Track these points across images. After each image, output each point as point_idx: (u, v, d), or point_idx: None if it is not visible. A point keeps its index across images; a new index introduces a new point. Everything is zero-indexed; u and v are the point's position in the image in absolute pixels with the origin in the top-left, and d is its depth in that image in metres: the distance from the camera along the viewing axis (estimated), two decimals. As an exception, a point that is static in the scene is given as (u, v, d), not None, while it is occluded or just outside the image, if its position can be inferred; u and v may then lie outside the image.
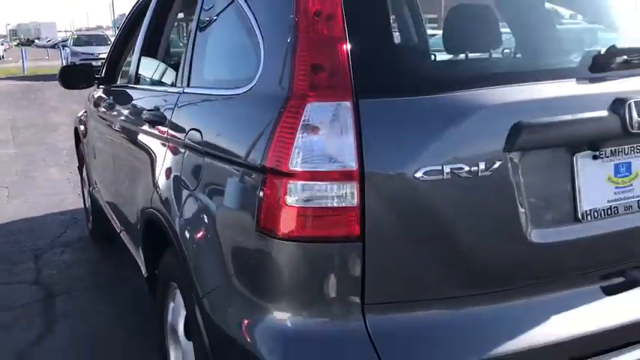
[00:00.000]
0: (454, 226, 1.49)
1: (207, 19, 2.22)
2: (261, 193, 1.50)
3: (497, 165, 1.49)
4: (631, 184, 1.71)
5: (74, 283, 3.96)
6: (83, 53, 22.14)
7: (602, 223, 1.66)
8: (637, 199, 1.71)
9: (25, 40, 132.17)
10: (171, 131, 2.22)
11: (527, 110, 1.54)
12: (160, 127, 2.35)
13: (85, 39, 25.51)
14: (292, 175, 1.44)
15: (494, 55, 1.83)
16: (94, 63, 14.97)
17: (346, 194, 1.43)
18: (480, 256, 1.52)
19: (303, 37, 1.53)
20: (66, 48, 26.18)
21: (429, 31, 2.95)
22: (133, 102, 2.94)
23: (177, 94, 2.28)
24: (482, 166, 1.47)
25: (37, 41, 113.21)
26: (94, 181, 4.21)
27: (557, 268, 1.63)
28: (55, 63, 29.81)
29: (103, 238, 4.51)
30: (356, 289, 1.47)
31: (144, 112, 2.58)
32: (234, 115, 1.80)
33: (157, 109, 2.43)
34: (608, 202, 1.67)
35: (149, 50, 2.97)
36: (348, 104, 1.45)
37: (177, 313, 2.15)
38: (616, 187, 1.68)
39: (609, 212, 1.67)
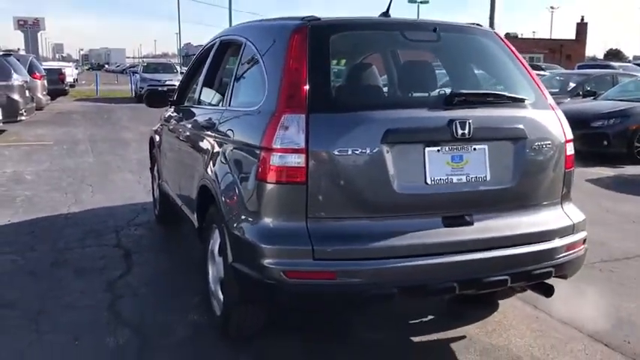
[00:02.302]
0: (352, 180, 2.91)
1: (243, 66, 3.74)
2: (259, 160, 2.97)
3: (376, 149, 2.91)
4: (462, 168, 3.09)
5: (144, 247, 5.51)
6: (151, 79, 23.73)
7: (441, 187, 3.05)
8: (465, 175, 3.10)
9: (95, 64, 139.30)
10: (217, 133, 3.73)
11: (396, 122, 2.97)
12: (210, 131, 3.86)
13: (154, 67, 27.34)
14: (274, 150, 2.90)
15: (383, 91, 3.27)
16: (159, 89, 16.76)
17: (299, 161, 2.88)
18: (368, 196, 2.94)
19: (285, 80, 3.02)
20: (136, 74, 28.25)
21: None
22: (194, 117, 4.48)
23: (222, 110, 3.81)
24: (368, 149, 2.90)
25: (106, 66, 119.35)
26: (163, 176, 5.77)
27: (414, 207, 3.02)
28: (124, 87, 32.37)
29: (165, 221, 6.07)
30: (303, 208, 2.90)
31: (201, 122, 4.12)
32: (250, 121, 3.28)
33: (209, 119, 3.96)
34: (447, 175, 3.06)
35: (207, 82, 4.52)
36: (304, 116, 2.91)
37: (214, 241, 3.62)
38: (452, 168, 3.08)
39: (446, 181, 3.06)
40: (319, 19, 3.26)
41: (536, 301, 4.17)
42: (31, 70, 16.80)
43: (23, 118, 13.16)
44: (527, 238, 3.19)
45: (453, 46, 3.61)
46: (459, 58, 3.75)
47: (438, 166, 3.05)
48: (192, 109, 4.66)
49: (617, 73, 15.07)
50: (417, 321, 4.02)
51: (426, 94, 3.39)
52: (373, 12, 3.62)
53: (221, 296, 3.52)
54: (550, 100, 3.47)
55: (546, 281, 3.44)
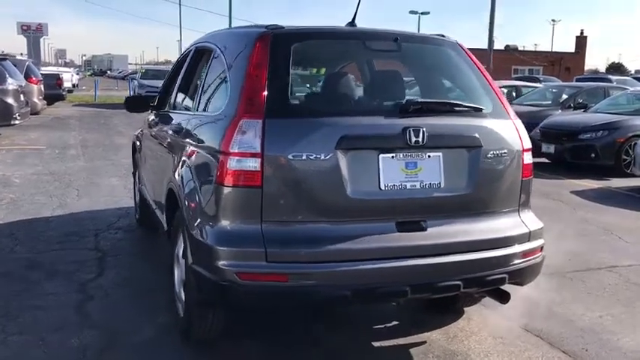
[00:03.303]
0: (307, 184, 2.97)
1: (211, 72, 3.81)
2: (218, 164, 3.03)
3: (331, 155, 2.97)
4: (417, 174, 3.15)
5: (121, 250, 5.56)
6: (148, 86, 23.71)
7: (395, 193, 3.11)
8: (419, 182, 3.15)
9: (98, 70, 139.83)
10: (184, 137, 3.79)
11: (351, 129, 3.03)
12: (178, 135, 3.93)
13: (152, 73, 27.41)
14: (231, 154, 2.97)
15: (340, 99, 3.32)
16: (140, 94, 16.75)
17: (255, 165, 2.94)
18: (322, 200, 3.00)
19: (246, 86, 3.10)
20: (134, 80, 28.43)
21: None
22: (168, 121, 4.55)
23: (191, 115, 3.88)
24: (323, 155, 2.96)
25: (109, 72, 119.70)
26: (142, 180, 5.84)
27: (368, 212, 3.08)
28: (123, 93, 32.47)
29: (145, 225, 6.13)
30: (258, 211, 2.96)
31: (172, 126, 4.19)
32: (212, 126, 3.34)
33: (179, 124, 4.03)
34: (401, 181, 3.12)
35: (181, 88, 4.59)
36: (260, 121, 2.97)
37: (180, 244, 3.68)
38: (406, 175, 3.13)
39: (400, 187, 3.12)
40: (283, 27, 3.33)
41: (502, 308, 4.21)
42: (28, 75, 16.91)
43: (17, 122, 13.24)
44: (481, 245, 3.24)
45: (415, 55, 3.68)
46: (420, 67, 3.82)
47: (392, 173, 3.11)
48: (167, 114, 4.74)
49: (608, 86, 15.15)
50: (380, 326, 4.07)
51: (383, 102, 3.46)
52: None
53: (184, 298, 3.57)
54: (509, 110, 3.53)
55: (503, 288, 3.49)
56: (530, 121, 12.35)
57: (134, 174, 6.69)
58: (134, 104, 5.38)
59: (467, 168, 3.25)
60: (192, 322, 3.45)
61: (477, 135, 3.27)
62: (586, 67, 54.50)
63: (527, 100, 14.67)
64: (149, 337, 3.77)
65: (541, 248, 3.52)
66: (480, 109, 3.40)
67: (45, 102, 18.88)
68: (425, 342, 3.81)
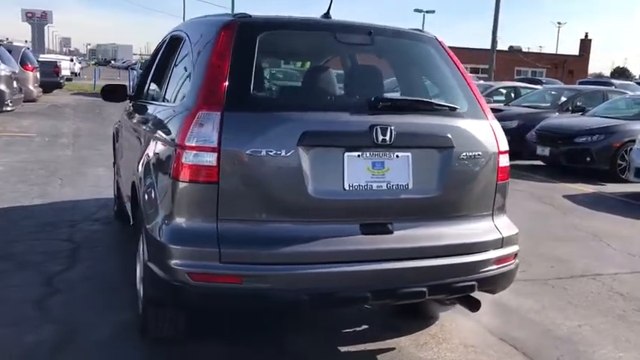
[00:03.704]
0: (266, 182, 2.84)
1: (179, 61, 3.67)
2: (174, 158, 2.90)
3: (292, 152, 2.83)
4: (384, 175, 3.02)
5: (95, 243, 5.44)
6: None
7: (360, 193, 2.97)
8: (386, 182, 3.02)
9: (102, 60, 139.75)
10: (148, 128, 3.66)
11: (315, 124, 2.89)
12: (145, 126, 3.80)
13: (152, 63, 27.38)
14: (187, 147, 2.83)
15: (305, 93, 3.18)
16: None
17: (211, 160, 2.80)
18: (282, 199, 2.86)
19: (207, 76, 2.96)
20: (133, 70, 28.35)
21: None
22: (139, 112, 4.42)
23: (157, 105, 3.74)
24: (283, 151, 2.82)
25: (113, 62, 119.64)
26: (119, 171, 5.71)
27: (331, 213, 2.94)
28: (123, 83, 32.33)
29: (122, 217, 5.99)
30: (214, 209, 2.82)
31: (141, 117, 4.05)
32: (172, 117, 3.21)
33: (146, 115, 3.90)
34: (366, 181, 2.98)
35: (154, 77, 4.46)
36: (219, 113, 2.83)
37: (140, 241, 3.55)
38: (372, 175, 3.00)
39: (366, 187, 2.98)
40: (250, 16, 3.19)
41: (477, 315, 4.07)
42: (23, 62, 16.80)
43: (9, 108, 13.13)
44: (450, 250, 3.11)
45: (389, 50, 3.54)
46: (394, 63, 3.68)
47: (358, 172, 2.97)
48: (140, 104, 4.60)
49: (608, 90, 14.97)
50: (349, 330, 3.94)
51: (352, 98, 3.31)
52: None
53: (142, 295, 3.45)
54: (486, 110, 3.39)
55: (473, 295, 3.36)
56: (527, 123, 12.29)
57: (114, 164, 6.56)
58: (111, 93, 5.24)
59: (437, 169, 3.12)
60: (148, 320, 3.33)
61: (449, 135, 3.13)
62: (591, 71, 54.30)
63: (526, 102, 14.49)
64: (109, 335, 3.64)
65: (515, 255, 3.38)
66: (455, 109, 3.26)
67: (41, 89, 18.74)
68: (394, 348, 3.68)
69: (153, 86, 4.40)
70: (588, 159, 10.55)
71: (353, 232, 2.97)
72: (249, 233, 2.84)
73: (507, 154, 3.39)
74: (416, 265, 3.00)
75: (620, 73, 73.67)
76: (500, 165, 3.32)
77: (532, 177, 10.55)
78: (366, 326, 4.01)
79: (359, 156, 2.97)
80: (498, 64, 34.36)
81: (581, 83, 25.89)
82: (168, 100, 3.61)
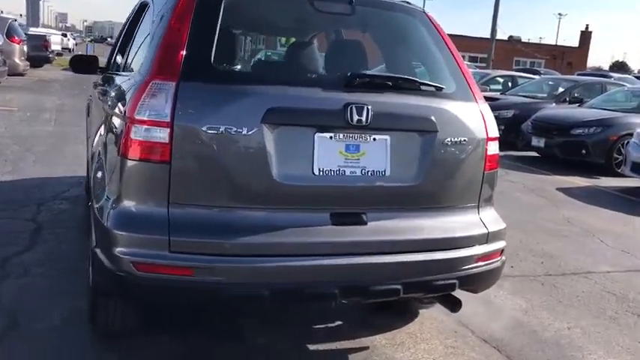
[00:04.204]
0: (225, 163, 2.53)
1: (142, 28, 3.35)
2: (123, 132, 2.58)
3: (255, 130, 2.52)
4: (358, 159, 2.71)
5: (59, 223, 5.11)
6: None
7: (331, 179, 2.66)
8: (360, 168, 2.71)
9: (98, 37, 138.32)
10: (106, 101, 3.33)
11: (282, 100, 2.57)
12: (103, 99, 3.47)
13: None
14: (136, 121, 2.51)
15: (274, 65, 2.86)
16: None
17: (163, 136, 2.49)
18: (242, 183, 2.55)
19: (164, 42, 2.64)
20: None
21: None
22: (103, 83, 4.09)
23: (118, 76, 3.41)
24: (245, 129, 2.51)
25: (109, 39, 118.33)
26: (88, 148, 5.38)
27: (297, 200, 2.64)
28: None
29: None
30: (165, 192, 2.51)
31: (102, 89, 3.73)
32: (126, 88, 2.89)
33: (106, 86, 3.57)
34: (339, 166, 2.67)
35: (120, 47, 4.12)
36: (173, 83, 2.51)
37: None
38: (345, 159, 2.69)
39: (338, 173, 2.67)
40: None
41: (461, 313, 3.78)
42: (10, 34, 16.33)
43: (-9, 81, 12.71)
44: (429, 244, 2.82)
45: (372, 22, 3.21)
46: (377, 36, 3.35)
47: (329, 156, 2.67)
48: (107, 75, 4.27)
49: (606, 82, 14.67)
50: (321, 326, 3.65)
51: (326, 74, 2.98)
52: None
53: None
54: (476, 92, 3.08)
55: (454, 294, 3.07)
56: (523, 113, 12.00)
57: (87, 140, 6.24)
58: (80, 65, 4.89)
59: (418, 155, 2.81)
60: (98, 311, 3.03)
61: (432, 118, 2.82)
62: (590, 64, 53.93)
63: (523, 91, 14.18)
64: (56, 324, 3.35)
65: (501, 252, 3.09)
66: (440, 89, 2.95)
67: (28, 63, 18.26)
68: (367, 347, 3.40)
69: (119, 56, 4.08)
70: (584, 151, 10.27)
71: (322, 221, 2.67)
72: (204, 220, 2.54)
73: (497, 142, 3.09)
74: (391, 260, 2.71)
75: (619, 67, 73.30)
76: (489, 153, 3.02)
77: (526, 168, 10.27)
78: (340, 322, 3.72)
79: (331, 137, 2.66)
80: (497, 53, 34.02)
81: (579, 75, 25.56)
82: (128, 70, 3.29)
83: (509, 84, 16.15)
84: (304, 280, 2.60)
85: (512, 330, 3.80)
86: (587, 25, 52.71)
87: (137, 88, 2.59)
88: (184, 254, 2.47)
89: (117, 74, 3.74)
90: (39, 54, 21.23)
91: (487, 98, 11.53)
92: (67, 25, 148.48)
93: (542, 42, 58.29)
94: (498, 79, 17.01)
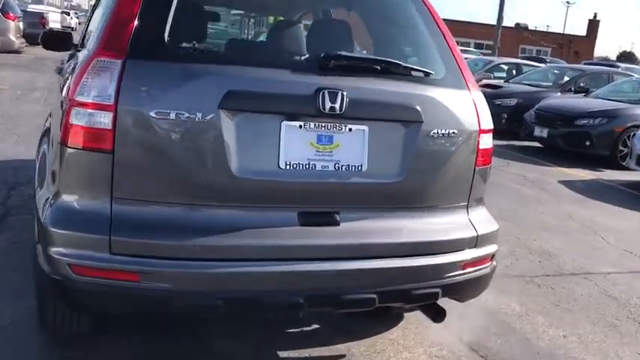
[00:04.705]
0: (176, 154, 2.22)
1: (102, 6, 3.03)
2: (64, 116, 2.28)
3: (211, 116, 2.21)
4: (331, 152, 2.40)
5: (30, 209, 4.81)
6: None
7: (300, 174, 2.36)
8: (334, 162, 2.40)
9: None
10: (59, 82, 3.03)
11: (244, 83, 2.26)
12: (59, 78, 3.16)
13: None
14: (76, 104, 2.21)
15: (237, 44, 2.54)
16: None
17: (106, 121, 2.19)
18: (196, 177, 2.25)
19: (113, 14, 2.33)
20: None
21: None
22: (65, 62, 3.78)
23: (74, 53, 3.10)
24: (200, 115, 2.20)
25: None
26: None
27: (261, 197, 2.34)
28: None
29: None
30: (107, 185, 2.22)
31: (58, 68, 3.42)
32: (74, 67, 2.58)
33: (63, 66, 3.26)
34: (309, 159, 2.37)
35: (87, 24, 3.81)
36: (120, 61, 2.20)
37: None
38: (317, 152, 2.38)
39: (308, 167, 2.37)
40: None
41: (448, 318, 3.50)
42: (4, 10, 15.95)
43: (-19, 57, 12.37)
44: (409, 249, 2.52)
45: None
46: (358, 13, 3.03)
47: (298, 147, 2.36)
48: (70, 53, 3.96)
49: (613, 72, 14.26)
50: (295, 330, 3.36)
51: (298, 54, 2.65)
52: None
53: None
54: (469, 79, 2.76)
55: (438, 302, 2.77)
56: (526, 102, 11.65)
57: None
58: (52, 41, 4.56)
59: (400, 149, 2.51)
60: (45, 313, 2.74)
61: (417, 107, 2.51)
62: (597, 54, 53.23)
63: (527, 80, 13.78)
64: (7, 322, 3.07)
65: (492, 257, 2.79)
66: (428, 74, 2.63)
67: (24, 41, 17.88)
68: (344, 356, 3.12)
69: (83, 34, 3.76)
70: (588, 143, 9.92)
71: (288, 221, 2.37)
72: (152, 219, 2.24)
73: (490, 134, 2.78)
74: (365, 266, 2.42)
75: (627, 57, 72.49)
76: (481, 147, 2.71)
77: (527, 159, 9.94)
78: (316, 326, 3.43)
79: (300, 127, 2.36)
80: (503, 40, 33.47)
81: (586, 64, 25.10)
82: (84, 47, 2.98)
83: (514, 72, 15.75)
84: (265, 288, 2.31)
85: (503, 337, 3.52)
86: (595, 13, 52.09)
87: (81, 66, 2.29)
88: (128, 257, 2.18)
89: (77, 51, 3.43)
90: (36, 31, 20.75)
91: (489, 86, 11.26)
92: (73, 3, 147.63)
93: (550, 30, 57.54)
94: (502, 66, 16.60)
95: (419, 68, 2.62)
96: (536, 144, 10.99)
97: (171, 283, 2.21)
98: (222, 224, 2.29)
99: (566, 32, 53.49)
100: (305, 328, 3.39)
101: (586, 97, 11.58)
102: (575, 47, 43.88)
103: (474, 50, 31.21)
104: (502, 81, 14.18)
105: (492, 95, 12.21)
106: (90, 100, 2.18)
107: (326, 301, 2.43)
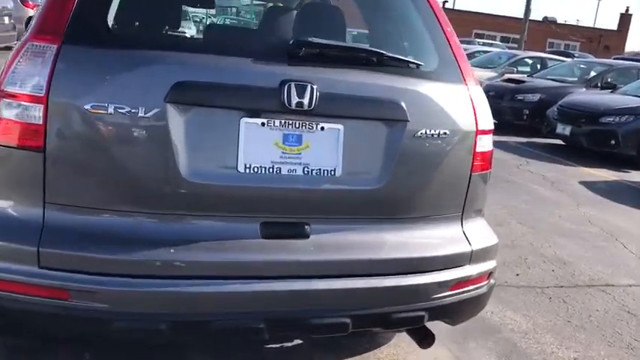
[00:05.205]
0: (116, 154, 1.93)
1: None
2: None
3: (156, 111, 1.91)
4: (300, 154, 2.09)
5: None
6: None
7: (263, 179, 2.05)
8: (303, 165, 2.09)
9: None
10: None
11: (196, 72, 1.96)
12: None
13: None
14: (4, 94, 1.92)
15: (191, 29, 2.21)
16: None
17: (36, 115, 1.90)
18: (139, 181, 1.95)
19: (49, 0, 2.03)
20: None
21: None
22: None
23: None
24: (143, 110, 1.90)
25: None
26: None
27: (216, 205, 2.03)
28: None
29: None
30: (38, 189, 1.93)
31: None
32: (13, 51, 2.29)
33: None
34: (273, 162, 2.06)
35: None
36: (54, 47, 1.92)
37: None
38: (283, 153, 2.07)
39: (272, 171, 2.06)
40: None
41: (447, 333, 3.18)
42: (25, -1, 15.82)
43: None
44: (390, 266, 2.20)
45: None
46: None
47: (261, 148, 2.05)
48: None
49: (644, 67, 13.67)
50: (275, 346, 3.06)
51: (263, 41, 2.32)
52: None
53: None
54: (466, 71, 2.42)
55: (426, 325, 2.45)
56: (549, 98, 11.18)
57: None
58: None
59: (382, 151, 2.18)
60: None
61: (402, 103, 2.18)
62: (628, 49, 51.95)
63: (551, 75, 13.26)
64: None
65: (488, 275, 2.46)
66: (417, 65, 2.30)
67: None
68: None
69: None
70: (613, 142, 9.44)
71: (248, 234, 2.06)
72: (88, 228, 1.95)
73: (490, 135, 2.44)
74: (337, 286, 2.11)
75: (660, 52, 70.71)
76: (478, 149, 2.37)
77: (548, 157, 9.51)
78: (299, 341, 3.13)
79: (263, 124, 2.05)
80: (530, 34, 32.78)
81: (616, 59, 24.34)
82: None
83: (539, 66, 15.24)
84: (219, 310, 2.01)
85: (505, 358, 3.19)
86: (627, 7, 50.75)
87: (14, 51, 2.00)
88: (58, 271, 1.89)
89: None
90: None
91: (512, 80, 10.81)
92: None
93: (579, 24, 56.30)
94: (527, 60, 16.09)
95: (405, 58, 2.29)
96: (559, 142, 10.54)
97: (108, 303, 1.92)
98: (170, 236, 1.99)
99: (596, 26, 52.27)
100: (286, 344, 3.09)
101: (613, 93, 11.07)
102: (606, 42, 42.81)
103: (500, 44, 30.58)
104: (525, 75, 13.69)
105: (514, 90, 11.82)
106: (19, 90, 1.90)
107: (291, 326, 2.13)
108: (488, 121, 2.42)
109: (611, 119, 9.56)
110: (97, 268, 1.91)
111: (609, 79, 12.23)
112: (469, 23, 36.98)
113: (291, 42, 2.09)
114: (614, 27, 47.77)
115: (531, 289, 4.18)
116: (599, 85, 12.10)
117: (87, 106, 1.88)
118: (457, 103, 2.32)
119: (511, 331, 3.51)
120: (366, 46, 2.29)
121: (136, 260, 1.93)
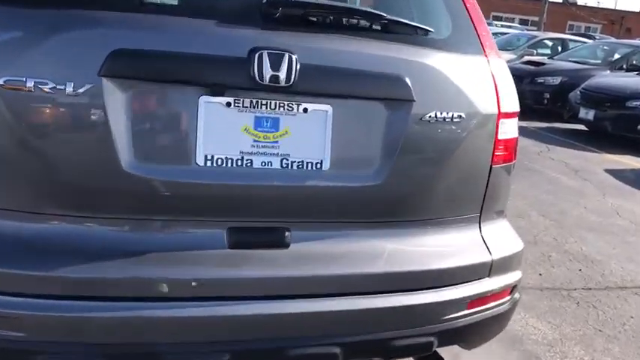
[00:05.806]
0: (37, 141, 1.51)
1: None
2: None
3: (88, 87, 1.49)
4: (277, 141, 1.66)
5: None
6: None
7: (229, 173, 1.62)
8: (281, 157, 1.66)
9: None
10: None
11: (139, 38, 1.53)
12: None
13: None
14: None
15: None
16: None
17: None
18: (67, 175, 1.54)
19: None
20: None
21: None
22: None
23: None
24: (72, 86, 1.48)
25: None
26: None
27: (168, 205, 1.61)
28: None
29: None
30: None
31: None
32: None
33: None
34: (242, 152, 1.63)
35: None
36: None
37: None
38: (255, 141, 1.64)
39: (241, 163, 1.63)
40: None
41: (458, 350, 2.76)
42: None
43: None
44: (390, 282, 1.77)
45: None
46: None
47: (226, 135, 1.62)
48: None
49: (671, 49, 13.04)
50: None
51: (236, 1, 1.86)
52: None
53: None
54: (487, 40, 1.97)
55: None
56: (572, 81, 10.66)
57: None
58: None
59: (380, 139, 1.74)
60: None
61: (406, 79, 1.73)
62: (650, 31, 50.74)
63: (573, 57, 12.69)
64: None
65: (512, 289, 2.02)
66: (424, 31, 1.84)
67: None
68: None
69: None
70: (639, 127, 8.93)
71: (212, 243, 1.64)
72: (7, 236, 1.54)
73: (515, 119, 2.00)
74: (324, 307, 1.68)
75: (682, 35, 69.25)
76: (500, 136, 1.93)
77: (570, 144, 9.01)
78: None
79: (229, 104, 1.61)
80: (550, 17, 32.03)
81: None
82: None
83: (559, 48, 14.64)
84: (173, 340, 1.60)
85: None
86: (650, -12, 49.33)
87: None
88: None
89: None
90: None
91: (532, 63, 10.27)
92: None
93: (600, 6, 55.05)
94: (547, 42, 15.49)
95: (410, 22, 1.83)
96: (582, 127, 10.02)
97: (28, 332, 1.51)
98: (110, 246, 1.58)
99: (617, 8, 51.07)
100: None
101: (639, 76, 10.51)
102: (628, 24, 41.75)
103: (518, 26, 29.86)
104: (546, 58, 13.14)
105: (534, 73, 11.31)
106: None
107: (263, 358, 1.71)
108: (513, 102, 1.98)
109: (639, 103, 9.04)
110: (15, 287, 1.50)
111: (635, 61, 11.69)
112: (487, 5, 36.14)
113: (264, 0, 1.65)
114: (637, 9, 46.63)
115: (556, 291, 3.74)
116: (624, 67, 11.56)
117: (1, 81, 1.46)
118: (475, 79, 1.88)
119: (535, 342, 3.09)
120: (362, 7, 1.84)
121: (61, 277, 1.52)
